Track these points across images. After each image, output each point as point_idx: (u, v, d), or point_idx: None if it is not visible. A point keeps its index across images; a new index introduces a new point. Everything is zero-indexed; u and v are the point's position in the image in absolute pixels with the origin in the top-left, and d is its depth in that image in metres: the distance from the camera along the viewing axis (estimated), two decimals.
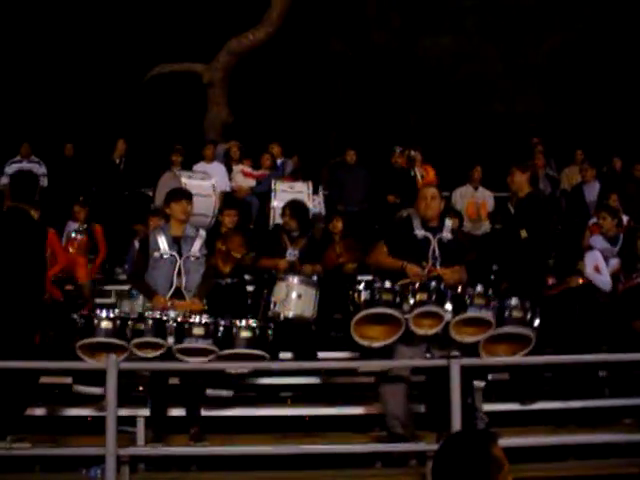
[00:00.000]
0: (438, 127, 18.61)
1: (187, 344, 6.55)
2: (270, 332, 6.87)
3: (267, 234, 9.08)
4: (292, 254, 8.55)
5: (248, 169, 12.80)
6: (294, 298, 7.95)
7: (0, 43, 17.57)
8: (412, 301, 6.48)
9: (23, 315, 6.52)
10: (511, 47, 19.40)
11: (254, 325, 6.75)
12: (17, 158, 13.02)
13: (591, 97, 18.44)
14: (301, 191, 11.12)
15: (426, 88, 19.06)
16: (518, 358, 6.86)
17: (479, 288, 6.54)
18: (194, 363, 6.65)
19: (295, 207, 9.01)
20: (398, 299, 6.50)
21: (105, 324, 6.51)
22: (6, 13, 17.50)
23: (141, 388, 7.87)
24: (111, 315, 6.58)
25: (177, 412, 7.20)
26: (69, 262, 9.75)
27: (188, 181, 10.71)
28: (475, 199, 11.97)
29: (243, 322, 6.71)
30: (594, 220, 9.90)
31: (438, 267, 6.82)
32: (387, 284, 6.55)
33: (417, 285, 6.53)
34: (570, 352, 7.35)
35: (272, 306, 7.94)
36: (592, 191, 11.91)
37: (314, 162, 13.82)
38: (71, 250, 10.15)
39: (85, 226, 10.52)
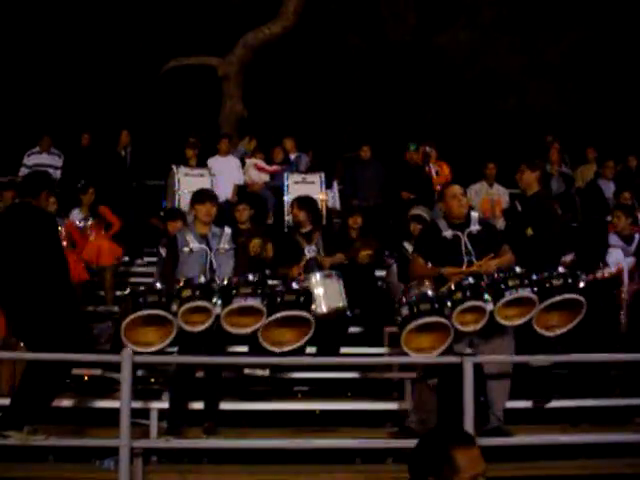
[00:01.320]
0: (453, 123, 18.57)
1: (236, 304, 6.60)
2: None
3: (281, 241, 9.04)
4: (311, 250, 8.54)
5: (262, 163, 12.79)
6: (321, 294, 7.91)
7: (21, 36, 17.66)
8: (449, 303, 6.51)
9: (47, 306, 6.49)
10: (527, 43, 19.32)
11: (296, 287, 6.85)
12: (36, 149, 13.06)
13: (607, 94, 18.37)
14: (313, 182, 11.12)
15: (441, 84, 19.02)
16: (530, 357, 6.88)
17: (513, 270, 6.59)
18: (214, 357, 6.71)
19: (302, 200, 9.02)
20: (437, 305, 6.54)
21: (151, 298, 6.57)
22: (29, 6, 17.56)
23: (152, 380, 7.93)
24: (156, 287, 6.68)
25: (191, 405, 7.24)
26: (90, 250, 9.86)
27: (184, 178, 10.80)
28: (490, 196, 11.94)
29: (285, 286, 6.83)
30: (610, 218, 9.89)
31: (475, 261, 6.81)
32: (426, 293, 6.60)
33: (452, 286, 6.56)
34: (584, 350, 7.34)
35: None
36: (609, 187, 11.88)
37: (328, 157, 13.82)
38: (91, 238, 10.16)
39: (88, 213, 10.50)
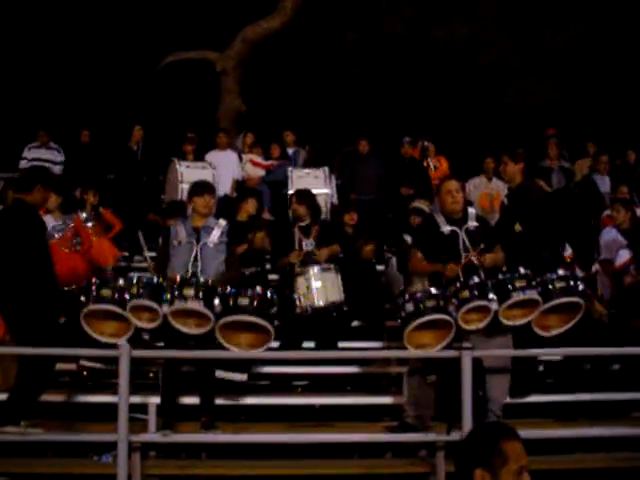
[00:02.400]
0: (451, 117, 18.56)
1: (177, 305, 6.62)
2: (275, 306, 6.91)
3: (279, 234, 9.05)
4: (308, 244, 8.55)
5: (257, 158, 12.82)
6: (319, 287, 7.92)
7: (18, 31, 17.64)
8: (456, 301, 6.52)
9: (32, 301, 6.56)
10: (526, 37, 19.29)
11: (258, 292, 6.79)
12: (36, 143, 13.07)
13: (606, 89, 18.35)
14: (317, 176, 11.12)
15: (440, 78, 19.00)
16: (528, 350, 6.90)
17: (519, 271, 6.60)
18: (206, 351, 6.71)
19: (302, 194, 9.04)
20: (442, 302, 6.56)
21: (105, 292, 6.70)
22: (29, 2, 17.55)
23: (151, 375, 7.92)
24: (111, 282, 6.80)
25: (189, 400, 7.24)
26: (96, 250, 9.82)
27: (186, 170, 10.76)
28: (489, 190, 11.94)
29: (248, 290, 6.77)
30: (608, 212, 9.87)
31: (472, 258, 6.84)
32: (431, 290, 6.61)
33: (458, 284, 6.57)
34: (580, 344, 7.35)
35: (297, 302, 7.91)
36: (605, 182, 11.87)
37: (326, 151, 13.81)
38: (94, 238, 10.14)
39: (93, 213, 10.51)
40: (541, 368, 8.16)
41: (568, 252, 8.79)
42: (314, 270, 7.99)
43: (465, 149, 14.80)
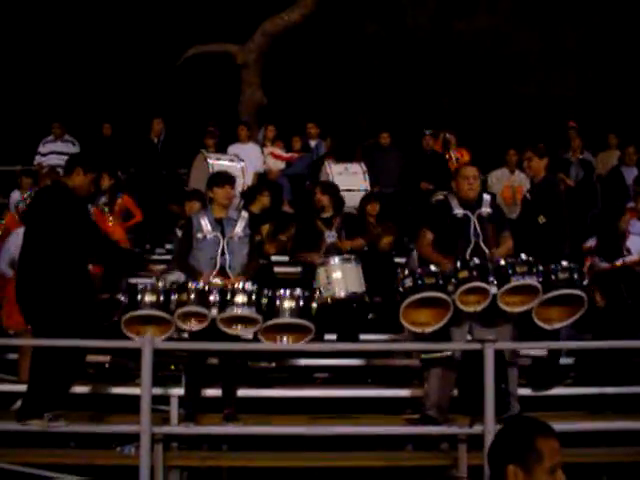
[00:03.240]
0: (473, 109, 18.47)
1: (230, 312, 6.63)
2: (315, 305, 6.94)
3: (302, 226, 9.03)
4: (330, 236, 8.56)
5: (277, 151, 12.82)
6: (339, 278, 7.92)
7: (39, 24, 17.72)
8: (455, 280, 6.50)
9: (57, 290, 6.46)
10: (547, 29, 19.18)
11: (298, 294, 6.81)
12: (50, 138, 13.12)
13: (628, 80, 18.18)
14: (356, 172, 11.11)
15: (461, 70, 18.91)
16: (553, 343, 6.86)
17: (521, 257, 6.59)
18: (230, 343, 6.73)
19: (326, 185, 9.07)
20: (441, 281, 6.55)
21: (149, 297, 6.64)
22: None
23: (172, 367, 7.95)
24: (156, 287, 6.72)
25: (210, 392, 7.26)
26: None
27: (216, 162, 10.74)
28: (511, 183, 11.86)
29: (287, 292, 6.78)
30: (632, 204, 9.78)
31: (481, 242, 6.84)
32: (430, 268, 6.59)
33: (458, 264, 6.55)
34: (608, 337, 7.28)
35: (318, 294, 7.91)
36: (631, 174, 11.75)
37: (347, 144, 13.78)
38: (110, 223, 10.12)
39: (108, 199, 10.46)
40: (569, 361, 8.11)
41: (590, 243, 8.72)
42: (335, 261, 8.01)
43: (487, 141, 14.72)
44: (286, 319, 6.75)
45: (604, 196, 11.98)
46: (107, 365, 8.26)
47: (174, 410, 7.11)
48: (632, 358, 7.93)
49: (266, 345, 6.97)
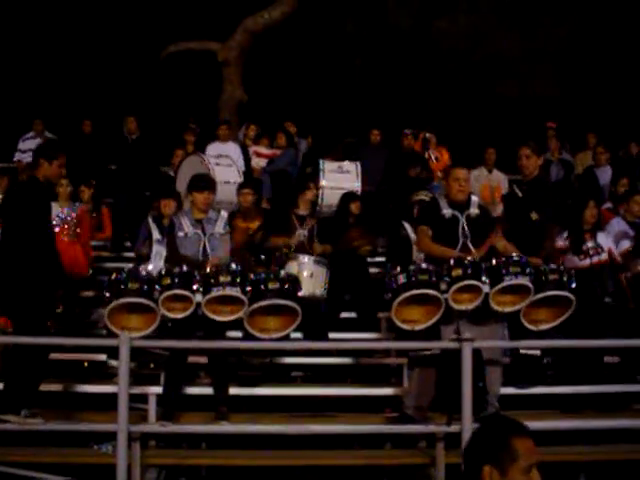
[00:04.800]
0: (453, 108, 18.52)
1: (215, 293, 6.61)
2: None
3: (277, 214, 9.10)
4: (301, 234, 8.62)
5: (260, 149, 12.82)
6: (305, 277, 7.98)
7: (17, 21, 17.59)
8: (448, 279, 6.53)
9: (30, 283, 6.50)
10: (527, 29, 19.26)
11: (283, 276, 6.81)
12: (30, 134, 13.04)
13: (608, 80, 18.30)
14: (349, 170, 11.11)
15: (441, 69, 18.97)
16: (528, 342, 6.90)
17: (514, 257, 6.62)
18: (210, 342, 6.72)
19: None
20: (434, 278, 6.57)
21: (132, 285, 6.63)
22: None
23: (152, 366, 7.93)
24: (139, 274, 6.75)
25: (191, 390, 7.27)
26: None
27: (217, 168, 10.64)
28: (489, 182, 11.90)
29: (271, 274, 6.82)
30: (608, 205, 9.86)
31: (469, 243, 6.88)
32: (423, 265, 6.59)
33: (452, 262, 6.57)
34: (579, 336, 7.33)
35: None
36: (605, 175, 11.84)
37: (328, 142, 13.78)
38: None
39: (91, 206, 10.46)
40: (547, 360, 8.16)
41: (561, 242, 8.74)
42: (306, 259, 8.06)
43: (466, 140, 14.76)
44: (273, 300, 6.74)
45: (579, 196, 12.06)
46: (86, 364, 8.24)
47: (152, 408, 7.08)
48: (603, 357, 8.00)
49: (241, 344, 6.97)
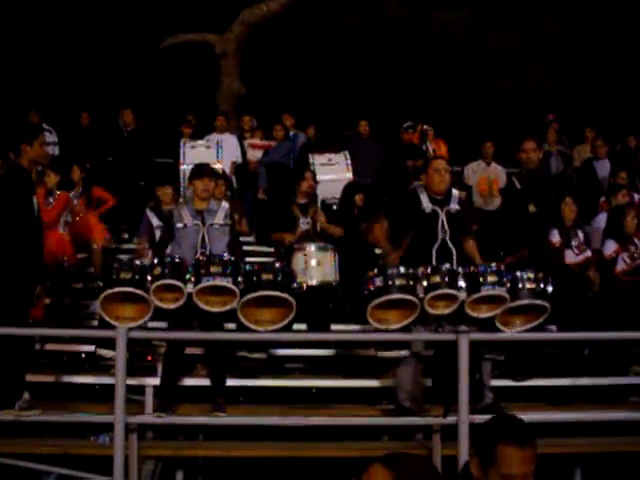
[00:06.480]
0: (451, 101, 18.51)
1: (205, 283, 6.57)
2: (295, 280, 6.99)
3: (277, 209, 9.08)
4: (305, 222, 8.60)
5: (255, 141, 12.85)
6: (314, 266, 7.91)
7: (15, 13, 17.54)
8: (425, 284, 6.51)
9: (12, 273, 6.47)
10: (527, 22, 19.23)
11: (277, 267, 6.78)
12: None
13: (607, 74, 18.30)
14: (338, 162, 11.11)
15: (440, 61, 18.94)
16: (526, 334, 6.89)
17: (492, 266, 6.61)
18: (207, 333, 6.71)
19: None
20: (411, 282, 6.54)
21: (124, 275, 6.58)
22: None
23: (149, 358, 7.93)
24: (131, 263, 6.70)
25: (188, 382, 7.28)
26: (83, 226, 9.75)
27: (190, 151, 10.64)
28: (487, 174, 11.90)
29: (266, 265, 6.82)
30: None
31: (448, 240, 6.84)
32: (401, 269, 6.57)
33: (429, 269, 6.55)
34: (578, 329, 7.35)
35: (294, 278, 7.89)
36: (603, 168, 11.84)
37: (326, 134, 13.78)
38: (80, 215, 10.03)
39: (81, 190, 10.41)
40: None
41: (555, 238, 8.74)
42: (311, 248, 8.01)
43: (464, 133, 14.75)
44: (267, 291, 6.68)
45: (578, 189, 12.07)
46: (83, 355, 8.24)
47: (149, 399, 7.09)
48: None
49: (238, 335, 6.96)
